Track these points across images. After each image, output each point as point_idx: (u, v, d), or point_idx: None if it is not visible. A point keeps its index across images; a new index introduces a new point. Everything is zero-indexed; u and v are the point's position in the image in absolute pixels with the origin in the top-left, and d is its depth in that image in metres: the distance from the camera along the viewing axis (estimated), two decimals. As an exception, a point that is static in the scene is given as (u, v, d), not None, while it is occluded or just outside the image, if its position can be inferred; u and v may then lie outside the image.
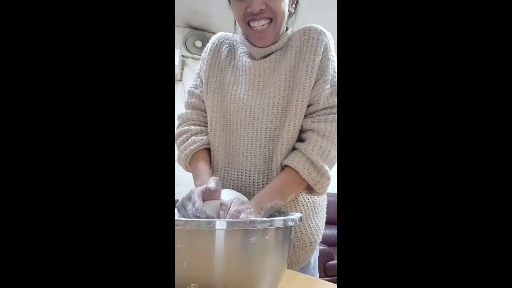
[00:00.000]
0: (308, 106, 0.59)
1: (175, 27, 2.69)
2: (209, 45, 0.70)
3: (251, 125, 0.62)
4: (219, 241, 0.33)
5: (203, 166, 0.64)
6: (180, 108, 0.75)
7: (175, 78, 2.59)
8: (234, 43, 0.68)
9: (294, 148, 0.60)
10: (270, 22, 0.57)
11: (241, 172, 0.64)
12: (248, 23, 0.57)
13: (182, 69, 2.68)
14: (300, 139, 0.61)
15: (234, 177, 0.64)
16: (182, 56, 2.65)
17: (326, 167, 0.57)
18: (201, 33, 2.68)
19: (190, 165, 0.67)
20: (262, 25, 0.57)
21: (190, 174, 0.66)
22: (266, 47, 0.62)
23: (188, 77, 2.67)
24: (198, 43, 2.68)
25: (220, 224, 0.32)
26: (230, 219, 0.41)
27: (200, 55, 2.65)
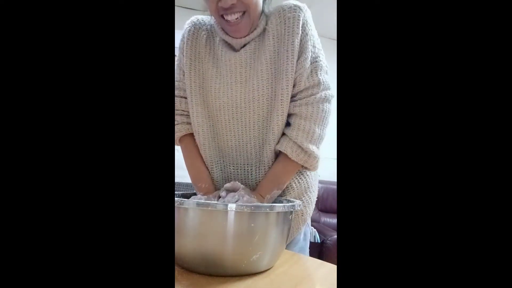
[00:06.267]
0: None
1: (194, 11, 2.67)
2: (185, 33, 0.66)
3: (239, 120, 0.63)
4: (270, 220, 0.45)
5: (195, 153, 0.68)
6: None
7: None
8: (212, 29, 0.65)
9: (283, 134, 0.62)
10: (243, 14, 0.56)
11: (237, 166, 0.67)
12: (222, 16, 0.57)
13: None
14: (287, 123, 0.63)
15: (231, 171, 0.68)
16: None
17: (312, 147, 0.59)
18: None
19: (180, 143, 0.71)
20: (236, 18, 0.56)
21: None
22: (243, 37, 0.60)
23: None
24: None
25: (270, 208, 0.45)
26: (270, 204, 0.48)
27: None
